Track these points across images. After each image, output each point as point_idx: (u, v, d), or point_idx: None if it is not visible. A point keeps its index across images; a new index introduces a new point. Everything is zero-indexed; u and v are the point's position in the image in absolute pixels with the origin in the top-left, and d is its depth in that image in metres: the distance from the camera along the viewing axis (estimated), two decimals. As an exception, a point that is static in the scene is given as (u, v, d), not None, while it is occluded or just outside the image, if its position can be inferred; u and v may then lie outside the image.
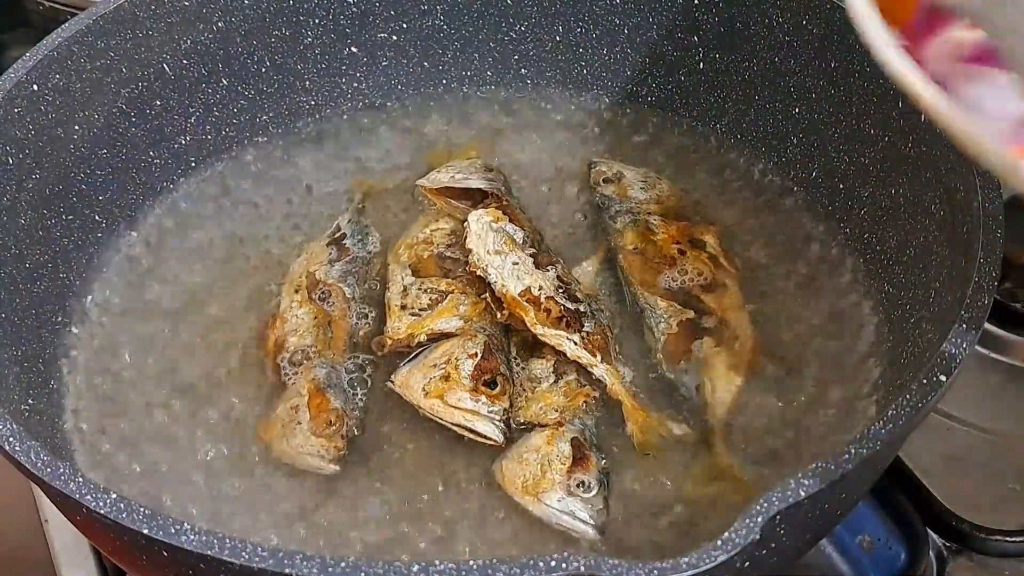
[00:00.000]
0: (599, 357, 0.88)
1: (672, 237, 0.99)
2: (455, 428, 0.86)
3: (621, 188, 1.05)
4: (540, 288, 0.91)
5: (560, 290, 0.92)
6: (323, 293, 0.96)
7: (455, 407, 0.85)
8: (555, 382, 0.87)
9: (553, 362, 0.89)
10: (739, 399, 0.89)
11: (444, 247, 0.98)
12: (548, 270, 0.93)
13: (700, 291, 0.95)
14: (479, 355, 0.88)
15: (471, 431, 0.85)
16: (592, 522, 0.80)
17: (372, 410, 0.90)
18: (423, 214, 1.04)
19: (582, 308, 0.91)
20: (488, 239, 0.94)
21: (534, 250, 0.95)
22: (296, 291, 0.96)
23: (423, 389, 0.86)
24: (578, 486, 0.81)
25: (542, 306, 0.90)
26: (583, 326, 0.90)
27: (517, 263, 0.93)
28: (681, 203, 1.06)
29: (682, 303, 0.94)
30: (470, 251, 0.94)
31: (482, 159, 1.09)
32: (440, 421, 0.86)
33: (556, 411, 0.86)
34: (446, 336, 0.91)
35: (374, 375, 0.92)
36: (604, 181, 1.06)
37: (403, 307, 0.93)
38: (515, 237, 0.95)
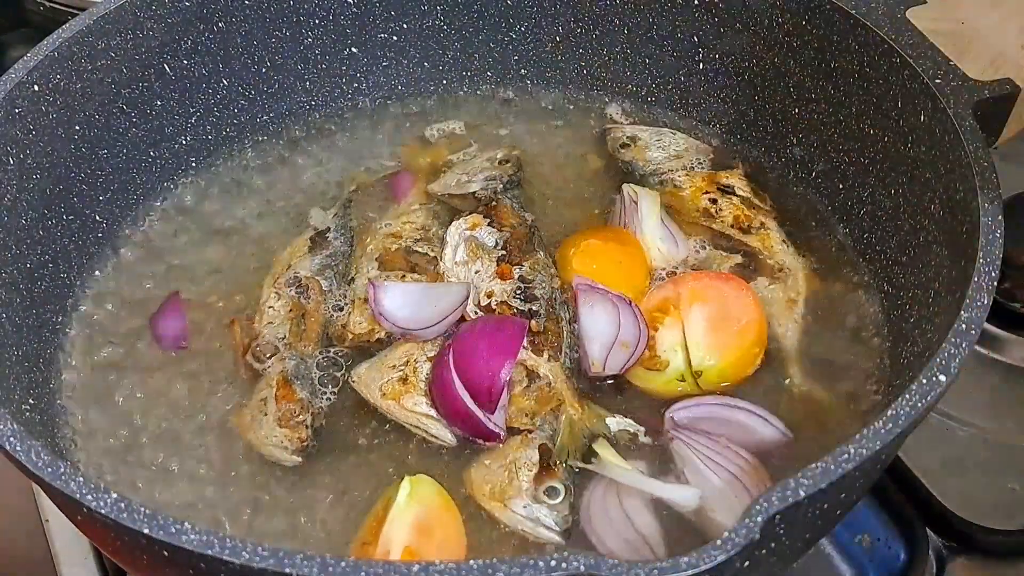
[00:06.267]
0: (546, 355, 0.89)
1: (700, 189, 1.02)
2: (409, 427, 0.87)
3: (638, 150, 1.07)
4: (491, 295, 0.93)
5: (518, 291, 0.93)
6: (300, 286, 0.96)
7: (410, 410, 0.86)
8: (527, 387, 0.88)
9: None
10: (805, 326, 0.93)
11: (412, 241, 0.99)
12: (514, 270, 0.94)
13: (741, 234, 0.99)
14: None
15: (425, 432, 0.87)
16: (557, 528, 0.80)
17: (343, 403, 0.90)
18: (395, 206, 1.05)
19: (535, 307, 0.92)
20: (459, 250, 0.96)
21: (504, 252, 0.96)
22: (275, 283, 0.97)
23: (380, 389, 0.88)
24: (545, 492, 0.81)
25: (495, 312, 0.92)
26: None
27: (479, 271, 0.95)
28: (700, 152, 1.08)
29: (727, 249, 0.98)
30: (440, 261, 0.97)
31: (500, 152, 1.10)
32: (395, 420, 0.87)
33: (527, 416, 0.86)
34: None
35: (349, 369, 0.92)
36: (621, 147, 1.09)
37: (366, 301, 0.93)
38: (486, 243, 0.97)
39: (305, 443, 0.86)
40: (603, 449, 0.84)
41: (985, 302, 0.71)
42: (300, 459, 0.86)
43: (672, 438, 0.85)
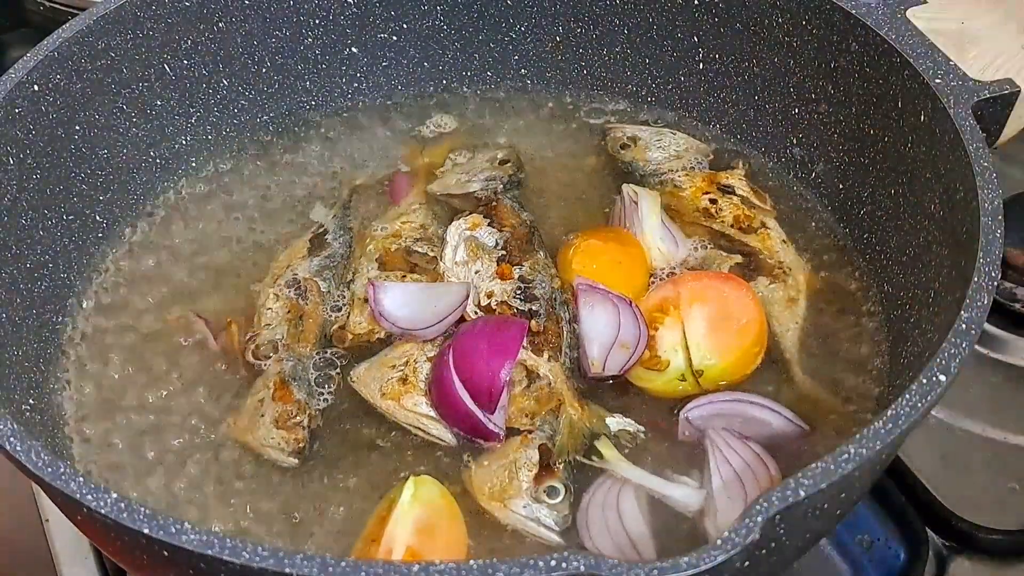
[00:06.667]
0: (546, 355, 0.89)
1: (700, 189, 1.03)
2: (409, 427, 0.87)
3: (638, 150, 1.08)
4: (491, 295, 0.93)
5: (518, 291, 0.93)
6: (299, 288, 0.96)
7: (410, 411, 0.87)
8: (527, 387, 0.88)
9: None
10: (806, 327, 0.94)
11: (412, 241, 0.99)
12: (514, 270, 0.95)
13: (741, 234, 0.99)
14: None
15: (425, 432, 0.87)
16: (557, 528, 0.80)
17: (342, 403, 0.90)
18: (395, 207, 1.05)
19: (535, 307, 0.92)
20: (459, 250, 0.97)
21: (504, 252, 0.96)
22: (273, 284, 0.97)
23: (380, 390, 0.88)
24: (545, 492, 0.81)
25: (495, 312, 0.92)
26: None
27: (479, 271, 0.95)
28: (700, 152, 1.09)
29: (727, 249, 0.98)
30: (440, 261, 0.97)
31: (500, 152, 1.10)
32: (395, 420, 0.87)
33: (527, 416, 0.86)
34: None
35: (344, 370, 0.92)
36: (621, 147, 1.09)
37: (366, 301, 0.93)
38: (486, 243, 0.97)
39: (302, 444, 0.86)
40: (607, 448, 0.84)
41: (985, 302, 0.71)
42: (296, 460, 0.86)
43: (703, 437, 0.85)
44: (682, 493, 0.81)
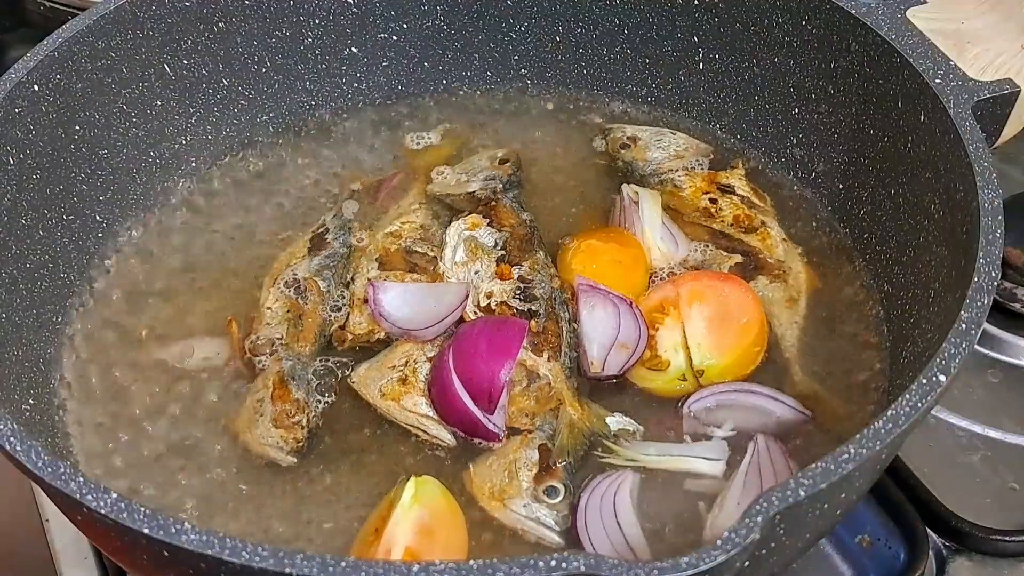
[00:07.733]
0: (546, 355, 0.89)
1: (700, 189, 1.03)
2: (408, 428, 0.87)
3: (638, 150, 1.08)
4: (491, 295, 0.93)
5: (518, 291, 0.93)
6: (299, 287, 0.96)
7: (410, 411, 0.87)
8: (527, 387, 0.88)
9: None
10: (806, 326, 0.94)
11: (412, 241, 0.99)
12: (513, 270, 0.95)
13: (742, 234, 0.99)
14: None
15: (425, 432, 0.87)
16: (557, 528, 0.80)
17: (342, 404, 0.90)
18: (395, 206, 1.05)
19: (535, 307, 0.92)
20: (459, 250, 0.97)
21: (504, 252, 0.96)
22: (273, 284, 0.97)
23: (380, 390, 0.88)
24: (545, 492, 0.81)
25: (495, 312, 0.92)
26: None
27: (479, 271, 0.95)
28: (700, 152, 1.09)
29: (727, 249, 0.98)
30: (440, 261, 0.97)
31: (500, 151, 1.10)
32: (395, 421, 0.88)
33: (527, 416, 0.86)
34: None
35: (346, 372, 0.92)
36: (621, 147, 1.09)
37: (366, 301, 0.93)
38: (485, 243, 0.97)
39: (300, 443, 0.86)
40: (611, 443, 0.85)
41: (985, 302, 0.71)
42: (295, 460, 0.86)
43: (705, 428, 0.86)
44: (707, 451, 0.83)
